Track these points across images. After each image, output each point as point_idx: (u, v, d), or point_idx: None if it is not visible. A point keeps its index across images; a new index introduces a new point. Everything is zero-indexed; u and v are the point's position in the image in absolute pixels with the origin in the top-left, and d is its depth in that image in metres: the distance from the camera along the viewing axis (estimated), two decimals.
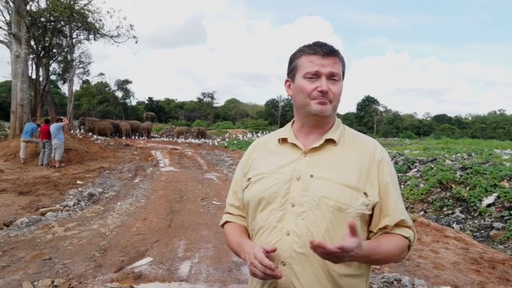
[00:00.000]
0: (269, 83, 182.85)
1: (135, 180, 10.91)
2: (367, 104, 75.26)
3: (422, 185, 8.91)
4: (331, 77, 1.35)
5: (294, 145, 1.43)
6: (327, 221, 1.28)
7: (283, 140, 1.47)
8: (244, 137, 37.73)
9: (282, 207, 1.34)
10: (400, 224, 1.35)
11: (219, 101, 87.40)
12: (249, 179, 1.47)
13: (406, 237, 1.35)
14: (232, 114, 77.22)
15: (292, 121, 1.52)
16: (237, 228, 1.50)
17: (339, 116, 1.53)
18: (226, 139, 35.90)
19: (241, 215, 1.54)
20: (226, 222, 1.57)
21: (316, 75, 1.35)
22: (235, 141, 31.03)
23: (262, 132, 42.66)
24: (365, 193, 1.32)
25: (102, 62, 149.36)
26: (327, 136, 1.40)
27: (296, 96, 1.41)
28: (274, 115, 73.06)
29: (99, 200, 8.20)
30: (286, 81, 1.48)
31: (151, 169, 13.63)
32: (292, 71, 1.43)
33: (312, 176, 1.33)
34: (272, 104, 75.82)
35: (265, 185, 1.39)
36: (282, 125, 62.38)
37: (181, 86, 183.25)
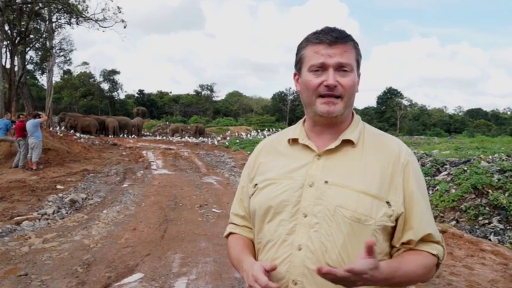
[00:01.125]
0: (276, 73, 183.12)
1: (124, 185, 10.95)
2: (389, 97, 75.05)
3: (453, 191, 8.86)
4: (340, 68, 1.34)
5: (306, 146, 1.42)
6: (344, 234, 1.27)
7: (294, 141, 1.46)
8: (248, 135, 37.74)
9: (292, 217, 1.33)
10: (426, 239, 1.34)
11: (220, 94, 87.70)
12: (256, 185, 1.46)
13: (433, 255, 1.33)
14: (235, 110, 77.36)
15: (303, 118, 1.52)
16: (240, 241, 1.50)
17: (356, 111, 1.52)
18: (228, 138, 35.95)
19: (246, 226, 1.54)
20: (230, 233, 1.57)
21: (323, 68, 1.34)
22: (237, 140, 31.08)
23: (269, 130, 42.76)
24: (388, 202, 1.30)
25: (86, 49, 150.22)
26: (343, 136, 1.39)
27: (302, 93, 1.41)
28: (282, 110, 73.12)
29: (83, 207, 8.23)
30: (295, 74, 1.48)
31: (142, 172, 13.68)
32: (298, 63, 1.43)
33: (326, 182, 1.33)
34: (280, 97, 75.89)
35: (273, 192, 1.38)
36: (291, 122, 62.29)
37: (177, 77, 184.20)
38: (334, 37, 1.34)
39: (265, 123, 51.67)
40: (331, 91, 1.34)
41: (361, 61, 1.41)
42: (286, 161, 1.43)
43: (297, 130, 1.49)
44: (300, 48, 1.42)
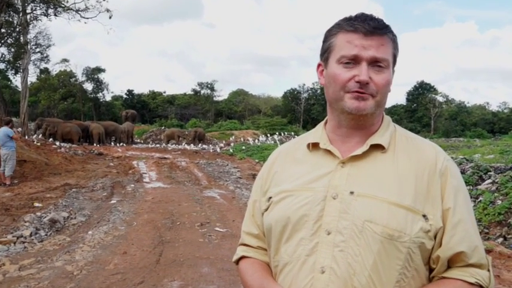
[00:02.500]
0: (287, 67, 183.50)
1: (112, 201, 11.00)
2: (421, 92, 74.80)
3: (499, 202, 8.79)
4: (374, 63, 1.35)
5: (329, 152, 1.43)
6: (374, 254, 1.28)
7: (314, 146, 1.47)
8: (256, 140, 37.82)
9: (314, 235, 1.34)
10: (459, 260, 1.32)
11: (222, 94, 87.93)
12: (270, 198, 1.47)
13: (471, 283, 1.30)
14: (239, 111, 77.53)
15: (325, 120, 1.53)
16: (258, 267, 1.50)
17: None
18: (232, 144, 36.04)
19: (261, 247, 1.54)
20: (242, 257, 1.57)
21: (355, 61, 1.35)
22: (243, 147, 31.13)
23: (280, 134, 42.78)
24: (424, 215, 1.30)
25: (66, 44, 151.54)
26: (372, 140, 1.40)
27: (328, 87, 1.42)
28: (295, 111, 73.21)
29: (64, 228, 8.27)
30: (319, 65, 1.49)
31: (132, 186, 13.74)
32: (325, 53, 1.44)
33: (352, 193, 1.33)
34: (292, 95, 75.98)
35: (290, 206, 1.39)
36: (305, 124, 62.47)
37: (171, 75, 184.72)
38: (371, 26, 1.35)
39: (275, 126, 51.61)
40: (362, 88, 1.34)
41: (397, 56, 1.42)
42: (305, 170, 1.44)
43: (317, 133, 1.50)
44: (330, 35, 1.43)
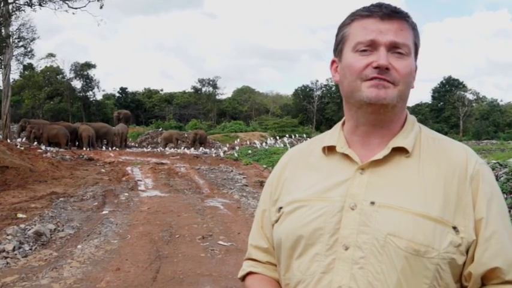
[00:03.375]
0: (298, 62, 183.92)
1: (103, 212, 11.04)
2: (448, 89, 74.54)
3: None
4: (394, 48, 1.35)
5: (346, 156, 1.42)
6: (398, 272, 1.26)
7: (330, 149, 1.46)
8: (264, 143, 37.77)
9: (329, 250, 1.33)
10: (496, 276, 1.30)
11: (225, 91, 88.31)
12: (280, 208, 1.47)
13: None
14: (245, 111, 77.62)
15: (342, 120, 1.52)
16: (266, 284, 1.51)
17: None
18: (237, 148, 36.06)
19: (271, 263, 1.54)
20: (249, 273, 1.57)
21: (372, 47, 1.35)
22: (249, 151, 31.15)
23: (290, 136, 42.71)
24: (454, 228, 1.29)
25: (52, 38, 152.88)
26: (394, 143, 1.38)
27: (343, 80, 1.42)
28: (307, 110, 73.20)
29: (51, 241, 8.29)
30: (333, 62, 1.49)
31: (126, 194, 13.79)
32: (339, 45, 1.45)
33: (373, 203, 1.32)
34: (304, 93, 76.01)
35: (303, 218, 1.38)
36: (318, 125, 62.26)
37: (169, 71, 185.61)
38: (388, 10, 1.36)
39: (285, 127, 51.36)
40: (382, 75, 1.33)
41: (419, 48, 1.43)
42: (319, 177, 1.44)
43: (334, 135, 1.49)
44: (343, 25, 1.44)
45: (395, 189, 1.33)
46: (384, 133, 1.41)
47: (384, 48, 1.33)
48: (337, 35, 1.45)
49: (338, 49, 1.44)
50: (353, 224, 1.32)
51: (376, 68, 1.32)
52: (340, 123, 1.52)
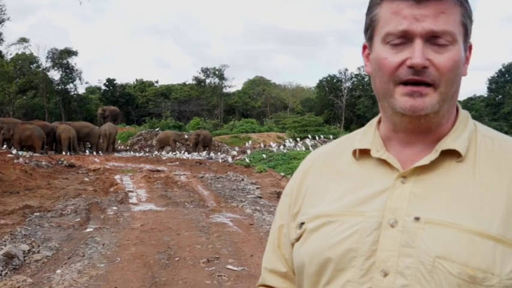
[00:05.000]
0: (322, 47, 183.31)
1: (88, 229, 11.09)
2: (509, 79, 73.96)
3: None
4: (433, 39, 1.31)
5: (384, 162, 1.40)
6: None
7: (363, 153, 1.44)
8: (281, 146, 37.70)
9: (364, 277, 1.31)
10: None
11: (234, 83, 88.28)
12: (302, 224, 1.45)
13: None
14: (258, 107, 77.51)
15: (377, 118, 1.50)
16: None
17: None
18: (248, 151, 36.04)
19: None
20: None
21: (405, 38, 1.31)
22: (264, 155, 31.11)
23: (313, 138, 42.52)
24: None
25: (25, 19, 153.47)
26: (443, 145, 1.35)
27: (375, 77, 1.39)
28: (333, 106, 72.88)
29: (24, 265, 8.32)
30: (364, 47, 1.47)
31: (115, 208, 13.85)
32: (368, 29, 1.41)
33: (418, 218, 1.29)
34: (330, 85, 75.71)
35: (332, 237, 1.36)
36: (348, 124, 61.76)
37: (165, 59, 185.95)
38: None
39: (307, 126, 51.02)
40: (419, 75, 1.30)
41: (471, 26, 1.38)
42: (350, 186, 1.42)
43: (367, 136, 1.47)
44: (372, 5, 1.39)
45: (445, 202, 1.30)
46: (429, 137, 1.38)
47: (420, 41, 1.29)
48: (367, 14, 1.41)
49: (368, 34, 1.41)
50: (393, 245, 1.29)
51: (410, 67, 1.29)
52: (375, 120, 1.49)
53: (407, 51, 1.30)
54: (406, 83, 1.31)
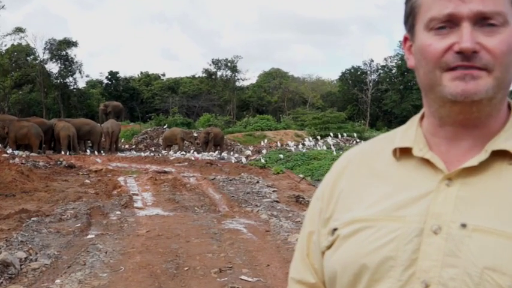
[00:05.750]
0: (345, 35, 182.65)
1: (89, 236, 11.14)
2: None
3: None
4: (483, 20, 1.28)
5: (426, 162, 1.38)
6: None
7: (404, 152, 1.42)
8: (300, 145, 37.61)
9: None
10: None
11: (248, 76, 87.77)
12: (335, 230, 1.43)
13: None
14: (275, 102, 77.27)
15: (420, 114, 1.48)
16: None
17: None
18: (264, 151, 36.04)
19: None
20: None
21: (451, 22, 1.29)
22: (281, 155, 31.09)
23: (336, 136, 42.39)
24: None
25: (21, 7, 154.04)
26: (494, 145, 1.33)
27: (418, 68, 1.37)
28: (358, 100, 72.49)
29: (21, 274, 8.35)
30: (405, 39, 1.45)
31: (118, 213, 13.90)
32: (409, 18, 1.40)
33: (464, 225, 1.27)
34: (354, 77, 75.25)
35: (368, 244, 1.35)
36: (374, 120, 61.02)
37: (173, 49, 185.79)
38: None
39: (329, 123, 50.80)
40: (469, 61, 1.27)
41: None
42: (389, 188, 1.40)
43: (409, 134, 1.44)
44: None
45: (495, 207, 1.28)
46: (478, 133, 1.35)
47: (468, 23, 1.26)
48: (406, 3, 1.40)
49: (409, 23, 1.39)
50: (436, 254, 1.27)
51: (459, 53, 1.27)
52: (417, 117, 1.47)
53: (454, 35, 1.27)
54: (454, 68, 1.28)
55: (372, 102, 70.50)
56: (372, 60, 74.04)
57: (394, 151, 1.42)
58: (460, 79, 1.26)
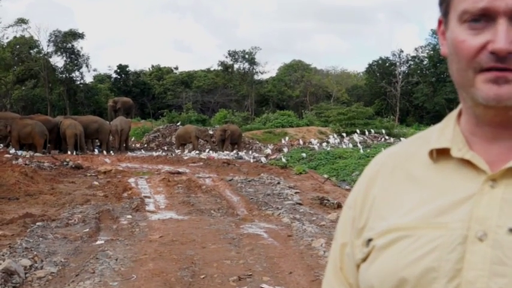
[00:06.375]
0: (371, 24, 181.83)
1: (98, 241, 11.18)
2: None
3: None
4: None
5: (467, 163, 1.35)
6: None
7: (441, 153, 1.40)
8: (324, 143, 37.52)
9: None
10: None
11: (267, 69, 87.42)
12: (370, 240, 1.42)
13: None
14: (296, 96, 77.21)
15: (457, 110, 1.46)
16: None
17: None
18: (285, 149, 35.91)
19: None
20: None
21: (486, 16, 1.27)
22: (303, 154, 31.00)
23: (363, 133, 42.19)
24: None
25: None
26: None
27: (451, 61, 1.36)
28: (386, 94, 72.23)
29: (26, 283, 8.40)
30: (439, 22, 1.44)
31: (129, 217, 13.94)
32: (443, 2, 1.38)
33: None
34: (382, 69, 74.99)
35: (407, 254, 1.33)
36: (404, 115, 60.51)
37: (186, 40, 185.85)
38: None
39: (355, 119, 50.49)
40: (503, 62, 1.24)
41: None
42: (427, 193, 1.37)
43: (446, 133, 1.42)
44: None
45: None
46: None
47: (505, 20, 1.24)
48: None
49: (443, 8, 1.37)
50: (483, 263, 1.25)
51: (493, 52, 1.24)
52: (454, 114, 1.45)
53: (489, 32, 1.25)
54: (488, 69, 1.25)
55: (402, 96, 70.22)
56: (402, 51, 73.88)
57: (431, 152, 1.39)
58: (493, 82, 1.24)
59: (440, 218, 1.30)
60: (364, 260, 1.41)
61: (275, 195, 18.27)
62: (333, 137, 40.98)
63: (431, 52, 68.13)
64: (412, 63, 73.85)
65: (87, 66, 68.85)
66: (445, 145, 1.37)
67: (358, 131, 42.82)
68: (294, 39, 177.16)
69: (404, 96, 70.55)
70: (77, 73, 68.30)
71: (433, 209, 1.32)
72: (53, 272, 8.92)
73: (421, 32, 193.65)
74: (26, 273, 8.75)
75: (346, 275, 1.50)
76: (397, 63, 73.83)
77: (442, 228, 1.29)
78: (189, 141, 40.83)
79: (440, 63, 62.40)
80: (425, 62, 71.03)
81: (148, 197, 17.60)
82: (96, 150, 38.20)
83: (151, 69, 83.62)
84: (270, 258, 9.82)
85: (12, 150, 30.94)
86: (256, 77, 76.86)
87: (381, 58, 76.07)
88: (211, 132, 42.38)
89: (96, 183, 20.97)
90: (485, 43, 1.24)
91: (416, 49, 72.99)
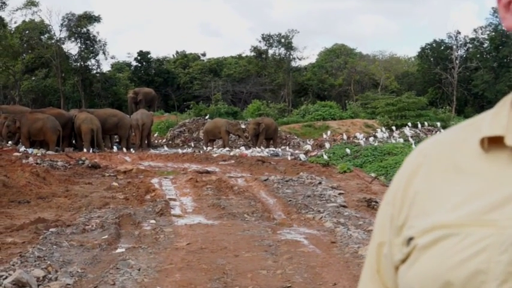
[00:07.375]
0: (424, 2, 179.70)
1: (118, 250, 11.25)
2: None
3: None
4: None
5: None
6: None
7: (494, 142, 1.37)
8: (371, 138, 37.32)
9: None
10: None
11: (305, 54, 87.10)
12: (411, 239, 1.40)
13: None
14: (339, 85, 76.93)
15: (511, 95, 1.44)
16: None
17: None
18: (327, 145, 35.85)
19: None
20: None
21: None
22: (348, 150, 30.91)
23: (415, 126, 41.91)
24: None
25: None
26: None
27: None
28: (441, 82, 71.63)
29: None
30: None
31: (153, 222, 13.99)
32: None
33: None
34: (436, 54, 74.32)
35: (452, 255, 1.31)
36: (461, 106, 60.03)
37: (214, 24, 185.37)
38: None
39: (406, 111, 50.20)
40: None
41: None
42: (476, 186, 1.36)
43: (499, 119, 1.40)
44: None
45: None
46: None
47: None
48: None
49: None
50: None
51: None
52: (509, 98, 1.43)
53: None
54: None
55: (459, 83, 69.57)
56: (459, 32, 72.96)
57: (482, 141, 1.35)
58: None
59: (491, 214, 1.28)
60: (403, 261, 1.39)
61: (316, 196, 18.24)
62: (381, 130, 40.78)
63: (493, 33, 67.44)
64: (470, 46, 73.08)
65: (104, 53, 69.50)
66: (498, 132, 1.33)
67: (409, 123, 42.67)
68: (336, 20, 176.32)
69: (462, 84, 69.89)
70: (92, 61, 68.99)
71: (482, 205, 1.30)
72: (69, 284, 8.95)
73: (481, 11, 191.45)
74: (38, 285, 8.80)
75: (384, 279, 1.49)
76: (454, 47, 73.03)
77: (492, 226, 1.27)
78: (218, 137, 40.93)
79: (503, 46, 61.83)
80: (485, 45, 70.31)
81: (174, 200, 17.68)
82: (114, 147, 38.45)
83: (175, 56, 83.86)
84: (311, 267, 9.81)
85: (22, 148, 31.16)
86: (293, 64, 76.66)
87: (435, 41, 75.31)
88: (243, 126, 42.44)
89: (115, 184, 21.08)
90: None
91: (475, 30, 72.22)
